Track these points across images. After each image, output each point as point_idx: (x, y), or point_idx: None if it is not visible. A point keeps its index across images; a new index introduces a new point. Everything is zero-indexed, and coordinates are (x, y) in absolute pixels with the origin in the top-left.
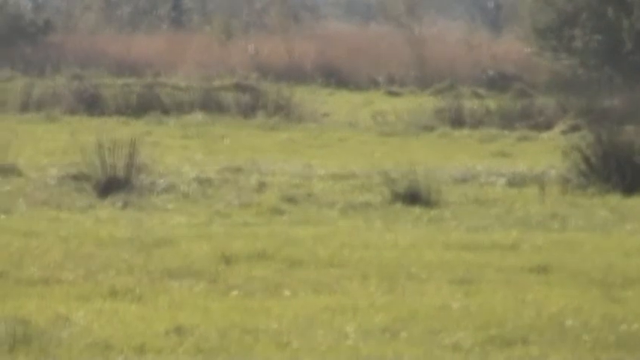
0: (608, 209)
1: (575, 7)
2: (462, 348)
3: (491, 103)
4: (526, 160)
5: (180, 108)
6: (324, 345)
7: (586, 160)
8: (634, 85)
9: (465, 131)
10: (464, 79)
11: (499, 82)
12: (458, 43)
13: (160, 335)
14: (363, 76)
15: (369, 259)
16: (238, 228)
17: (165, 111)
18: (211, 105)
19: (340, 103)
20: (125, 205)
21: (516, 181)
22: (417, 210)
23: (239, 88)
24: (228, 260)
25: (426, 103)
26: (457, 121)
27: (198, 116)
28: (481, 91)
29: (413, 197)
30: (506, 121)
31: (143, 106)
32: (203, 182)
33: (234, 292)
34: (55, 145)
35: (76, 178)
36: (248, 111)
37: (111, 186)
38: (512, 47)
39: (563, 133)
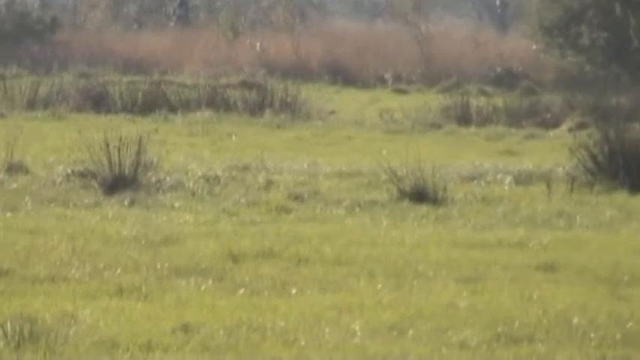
0: (615, 207)
1: (582, 4)
2: (469, 346)
3: (498, 101)
4: (533, 158)
5: (187, 106)
6: (331, 343)
7: (593, 157)
8: None
9: (472, 129)
10: (471, 77)
11: (506, 80)
12: (465, 41)
13: (167, 333)
14: (370, 74)
15: (375, 257)
16: (245, 226)
17: (172, 109)
18: (218, 103)
19: (347, 100)
20: (132, 203)
21: (523, 179)
22: (423, 208)
23: (246, 85)
24: (235, 258)
25: (433, 100)
26: (464, 118)
27: (205, 114)
28: (488, 88)
29: (420, 195)
30: (513, 118)
31: (150, 104)
32: (210, 180)
33: (241, 290)
34: (61, 142)
35: (83, 175)
36: (255, 109)
37: (118, 184)
38: (519, 45)
39: (570, 130)
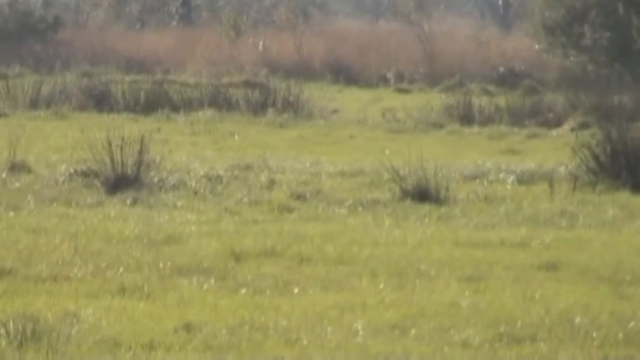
0: (618, 206)
1: (585, 4)
2: (471, 345)
3: (501, 101)
4: (535, 157)
5: (189, 105)
6: (334, 342)
7: (595, 157)
8: None
9: (475, 128)
10: (473, 76)
11: (508, 79)
12: (467, 40)
13: (169, 332)
14: (373, 73)
15: (378, 257)
16: (248, 225)
17: (175, 108)
18: (220, 102)
19: (349, 100)
20: (134, 202)
21: (525, 179)
22: (426, 207)
23: (248, 85)
24: (237, 257)
25: (436, 100)
26: (466, 118)
27: (208, 113)
28: (490, 88)
29: (422, 194)
30: (516, 118)
31: (152, 103)
32: (212, 179)
33: (244, 289)
34: (64, 142)
35: (86, 174)
36: (257, 108)
37: (120, 183)
38: (522, 44)
39: (573, 130)
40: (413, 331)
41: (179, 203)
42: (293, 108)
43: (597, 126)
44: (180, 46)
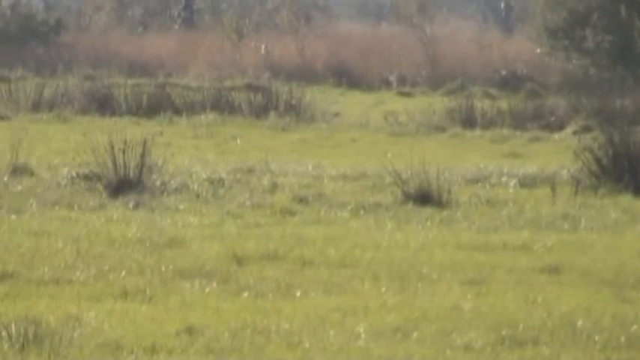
0: (620, 210)
1: (587, 7)
2: (474, 348)
3: (503, 104)
4: (537, 160)
5: (191, 108)
6: (336, 345)
7: (597, 160)
8: None
9: (477, 132)
10: (475, 79)
11: (510, 83)
12: (469, 43)
13: (171, 336)
14: (375, 77)
15: (380, 260)
16: (250, 228)
17: (177, 111)
18: (223, 105)
19: (352, 103)
20: (136, 206)
21: (527, 182)
22: (428, 210)
23: (250, 88)
24: (239, 261)
25: (438, 103)
26: (468, 121)
27: (210, 116)
28: (492, 91)
29: (424, 198)
30: (518, 121)
31: (155, 107)
32: (215, 183)
33: (246, 293)
34: (66, 145)
35: (88, 178)
36: (260, 111)
37: (122, 186)
38: (524, 47)
39: (575, 133)
40: (415, 335)
41: (181, 206)
42: (295, 111)
43: (599, 129)
44: (183, 50)
